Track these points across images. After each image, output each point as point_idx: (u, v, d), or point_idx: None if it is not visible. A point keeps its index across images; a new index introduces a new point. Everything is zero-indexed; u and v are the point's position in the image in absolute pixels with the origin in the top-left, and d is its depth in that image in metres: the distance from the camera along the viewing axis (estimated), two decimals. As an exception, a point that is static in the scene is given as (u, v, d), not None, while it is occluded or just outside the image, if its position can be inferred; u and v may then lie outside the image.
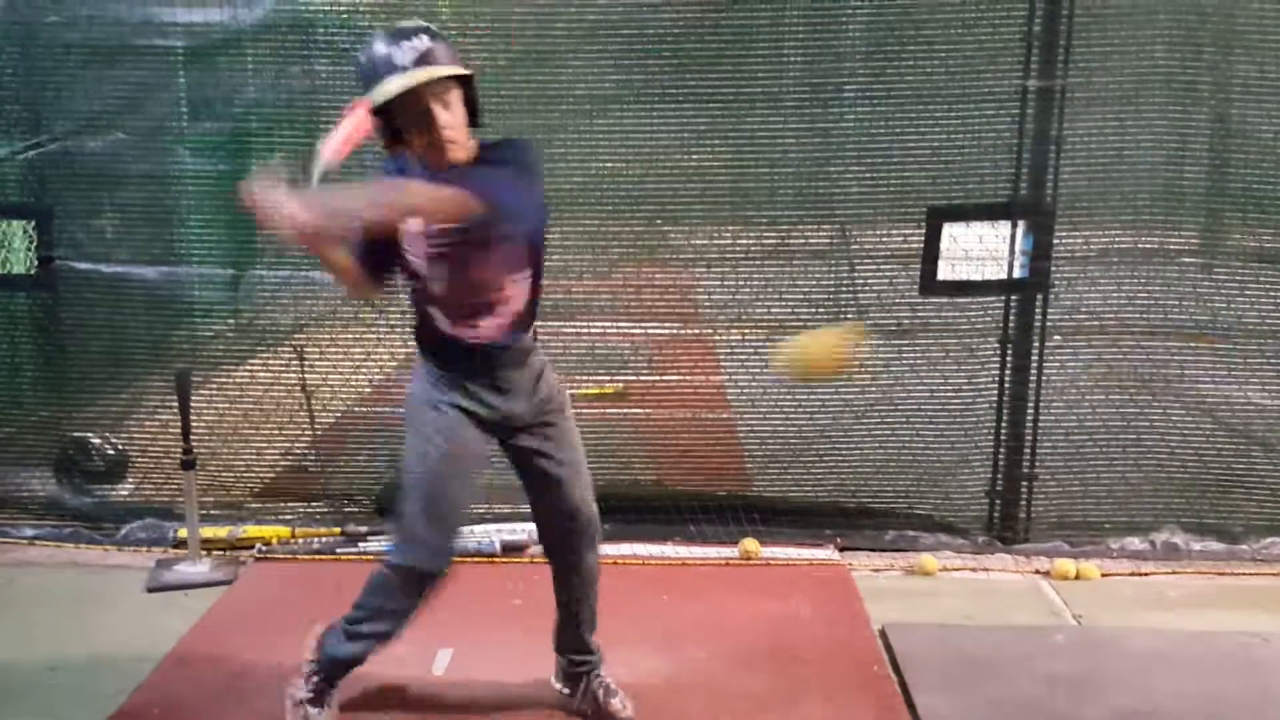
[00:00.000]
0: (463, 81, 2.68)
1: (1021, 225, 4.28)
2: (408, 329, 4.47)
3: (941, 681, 3.36)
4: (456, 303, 2.83)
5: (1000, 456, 4.48)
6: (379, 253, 2.81)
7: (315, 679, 3.07)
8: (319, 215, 2.43)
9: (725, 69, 4.44)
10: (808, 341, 3.19)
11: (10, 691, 3.35)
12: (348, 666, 3.08)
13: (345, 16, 4.51)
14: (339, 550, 4.36)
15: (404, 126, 2.65)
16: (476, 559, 4.26)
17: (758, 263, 4.59)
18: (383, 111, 2.65)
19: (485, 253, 2.75)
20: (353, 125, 2.85)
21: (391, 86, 2.59)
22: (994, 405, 4.45)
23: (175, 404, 4.21)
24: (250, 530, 4.45)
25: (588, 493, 3.05)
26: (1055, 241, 4.30)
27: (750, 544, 4.35)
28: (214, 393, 4.69)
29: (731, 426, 4.79)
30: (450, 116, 2.64)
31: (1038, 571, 4.26)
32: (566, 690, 3.22)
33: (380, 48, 2.61)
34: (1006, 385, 4.43)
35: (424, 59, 2.60)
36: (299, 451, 4.78)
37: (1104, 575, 4.22)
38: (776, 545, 4.38)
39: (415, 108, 2.61)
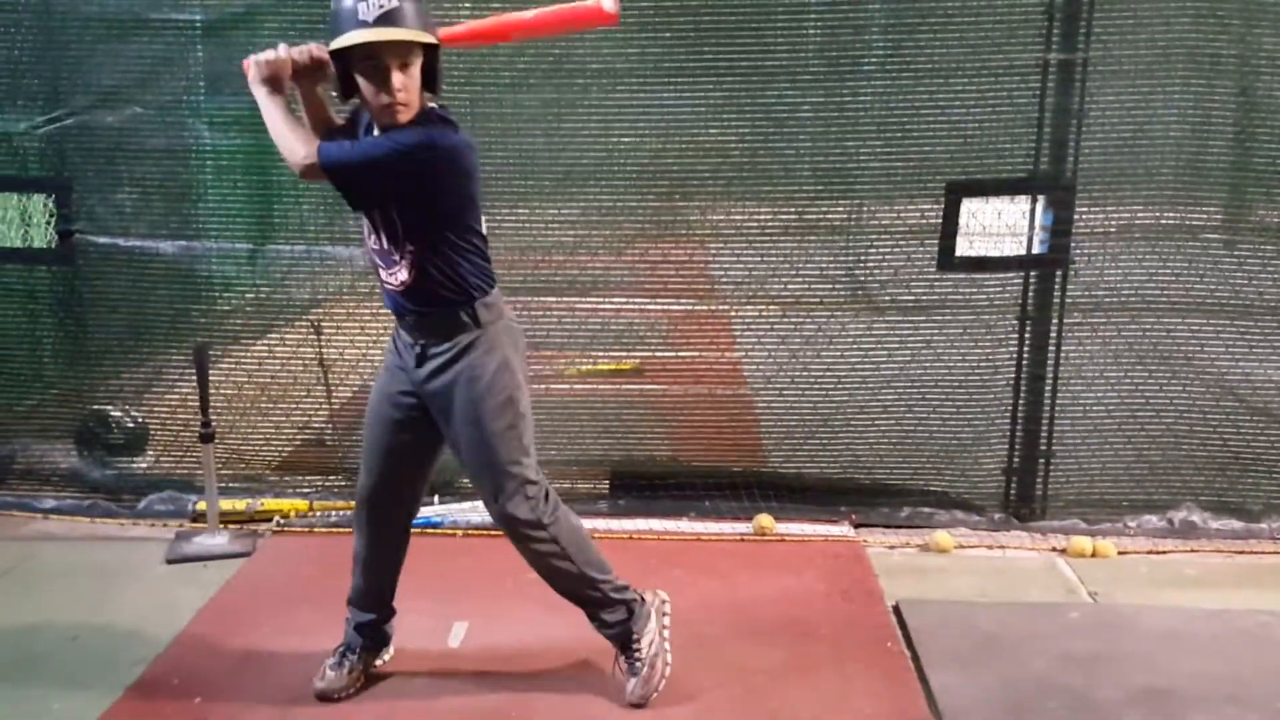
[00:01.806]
0: (428, 47, 2.71)
1: (1041, 200, 4.24)
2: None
3: (955, 658, 3.36)
4: (368, 245, 2.96)
5: (1017, 433, 4.46)
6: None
7: (340, 645, 3.23)
8: (254, 75, 2.77)
9: (743, 42, 4.40)
10: None
11: (31, 661, 3.39)
12: (362, 637, 3.21)
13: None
14: (355, 523, 4.37)
15: (357, 78, 2.70)
16: (492, 533, 4.26)
17: (774, 238, 4.57)
18: (341, 62, 2.70)
19: (361, 213, 2.90)
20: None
21: (347, 38, 2.64)
22: (1011, 382, 4.43)
23: (194, 377, 4.23)
24: (268, 503, 4.48)
25: (491, 484, 3.00)
26: (1075, 217, 4.26)
27: (765, 520, 4.35)
28: (232, 366, 4.72)
29: (747, 402, 4.78)
30: (404, 79, 2.68)
31: (1054, 549, 4.25)
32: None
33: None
34: (1024, 362, 4.40)
35: (387, 18, 2.63)
36: (317, 425, 4.81)
37: (1121, 553, 4.21)
38: (791, 521, 4.38)
39: (370, 63, 2.66)
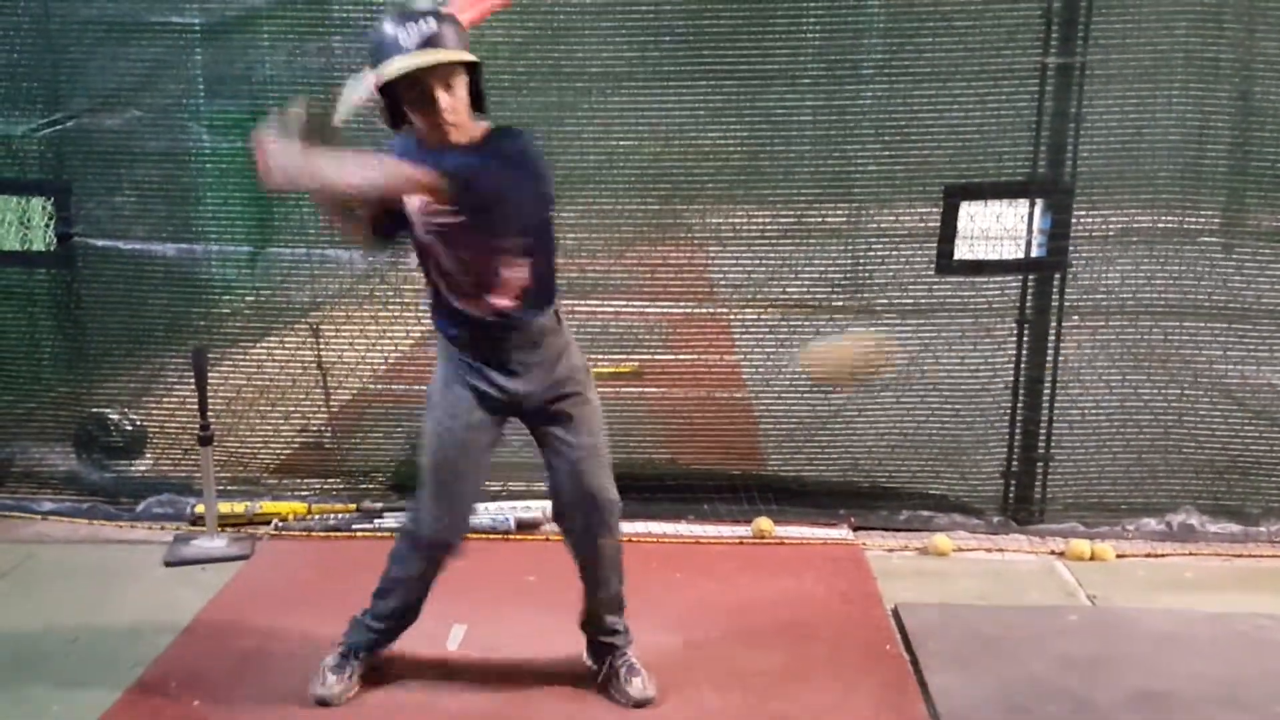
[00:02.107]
0: (470, 67, 2.71)
1: (1039, 204, 4.24)
2: (422, 307, 4.49)
3: (954, 661, 3.36)
4: (458, 279, 2.87)
5: (1016, 437, 4.46)
6: (389, 216, 2.88)
7: (340, 648, 3.20)
8: (289, 175, 2.56)
9: (741, 45, 4.41)
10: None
11: (30, 663, 3.39)
12: (370, 646, 3.20)
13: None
14: (355, 526, 4.38)
15: (406, 107, 2.70)
16: (491, 536, 4.28)
17: (773, 241, 4.58)
18: (387, 91, 2.69)
19: (473, 236, 2.79)
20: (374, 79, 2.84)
21: (394, 67, 2.63)
22: (1010, 385, 4.43)
23: (193, 380, 4.23)
24: (267, 506, 4.48)
25: (606, 478, 3.04)
26: (1073, 220, 4.26)
27: (764, 523, 4.35)
28: (231, 369, 4.72)
29: (746, 405, 4.78)
30: (451, 100, 2.68)
31: (1052, 552, 4.25)
32: (595, 666, 3.23)
33: (388, 28, 2.65)
34: (1023, 365, 4.40)
35: (429, 42, 2.63)
36: (315, 428, 4.81)
37: (1119, 556, 4.21)
38: (790, 524, 4.38)
39: (417, 89, 2.66)
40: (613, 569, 3.14)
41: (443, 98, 2.66)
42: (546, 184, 2.82)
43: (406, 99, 2.68)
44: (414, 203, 2.81)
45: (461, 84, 2.70)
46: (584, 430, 3.00)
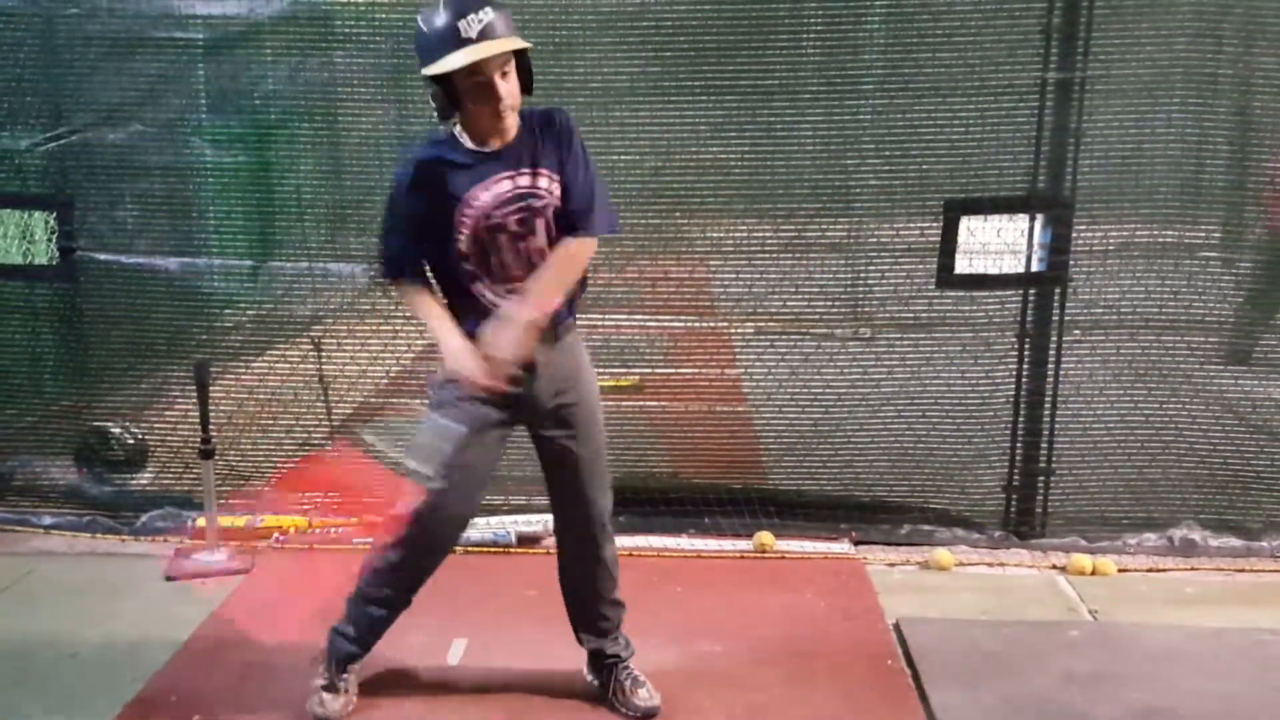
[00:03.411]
0: (520, 51, 2.76)
1: (1040, 218, 4.24)
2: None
3: (955, 676, 3.35)
4: (513, 270, 2.87)
5: (1017, 451, 4.45)
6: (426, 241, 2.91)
7: (326, 666, 3.16)
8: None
9: (742, 61, 4.43)
10: None
11: (30, 677, 3.38)
12: (350, 655, 3.16)
13: (363, 8, 4.52)
14: (356, 540, 4.37)
15: (464, 97, 2.73)
16: (492, 549, 4.27)
17: (774, 256, 4.58)
18: (441, 81, 2.71)
19: (547, 222, 2.85)
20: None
21: (458, 58, 2.65)
22: (1011, 400, 4.42)
23: (194, 394, 4.23)
24: (268, 520, 4.48)
25: (605, 488, 3.06)
26: (1074, 235, 4.27)
27: (765, 537, 4.35)
28: (233, 383, 4.72)
29: (747, 420, 4.78)
30: (508, 87, 2.74)
31: (1054, 567, 4.24)
32: (596, 681, 3.23)
33: (444, 18, 2.67)
34: (1024, 380, 4.40)
35: (488, 31, 2.66)
36: (316, 442, 4.81)
37: (1121, 571, 4.20)
38: (791, 538, 4.38)
39: (478, 79, 2.69)
40: (610, 579, 3.15)
41: (501, 85, 2.71)
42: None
43: (463, 89, 2.71)
44: (483, 198, 2.80)
45: (513, 70, 2.75)
46: (588, 438, 3.01)
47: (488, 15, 2.66)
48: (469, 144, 2.84)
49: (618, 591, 3.19)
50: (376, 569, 3.10)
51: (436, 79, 2.71)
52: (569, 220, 2.85)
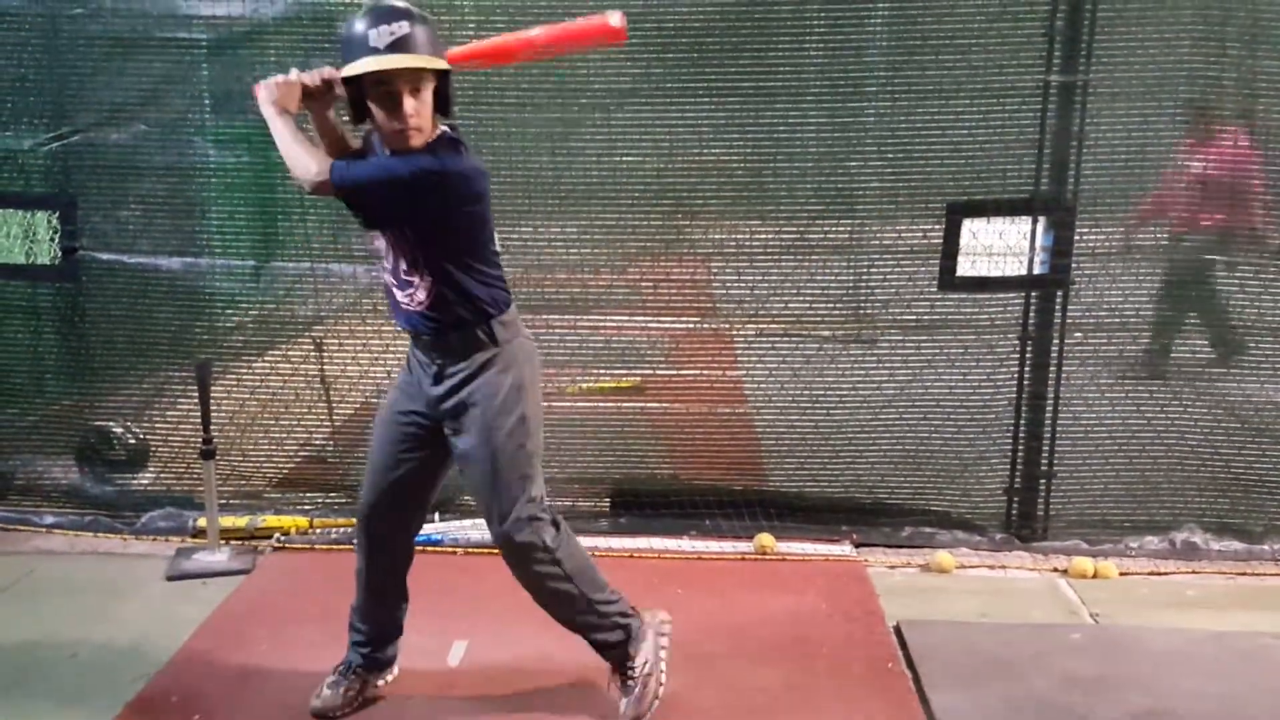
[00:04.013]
0: (441, 72, 2.74)
1: (1042, 221, 4.25)
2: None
3: (956, 679, 3.35)
4: (388, 269, 2.94)
5: (1019, 453, 4.46)
6: None
7: (339, 664, 3.23)
8: (260, 105, 2.80)
9: (745, 63, 4.43)
10: None
11: (31, 677, 3.38)
12: (361, 660, 3.22)
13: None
14: (356, 541, 4.37)
15: (371, 104, 2.72)
16: (492, 551, 4.25)
17: (776, 257, 4.58)
18: (353, 87, 2.72)
19: (377, 233, 2.90)
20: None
21: (360, 66, 2.65)
22: (1013, 402, 4.42)
23: (196, 394, 4.24)
24: (269, 520, 4.48)
25: (499, 503, 2.96)
26: (1076, 238, 4.27)
27: (766, 539, 4.35)
28: (234, 383, 4.72)
29: (748, 421, 4.78)
30: (416, 104, 2.70)
31: (1055, 570, 4.24)
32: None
33: (359, 25, 2.68)
34: (1026, 382, 4.40)
35: (399, 45, 2.65)
36: (318, 442, 4.81)
37: (1122, 574, 4.20)
38: (792, 540, 4.38)
39: (382, 90, 2.68)
40: (552, 599, 3.05)
41: (407, 102, 2.68)
42: (444, 205, 2.78)
43: (371, 97, 2.71)
44: None
45: (429, 89, 2.72)
46: (482, 442, 2.93)
47: (403, 29, 2.65)
48: (387, 152, 2.83)
49: (581, 608, 3.06)
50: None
51: (347, 83, 2.72)
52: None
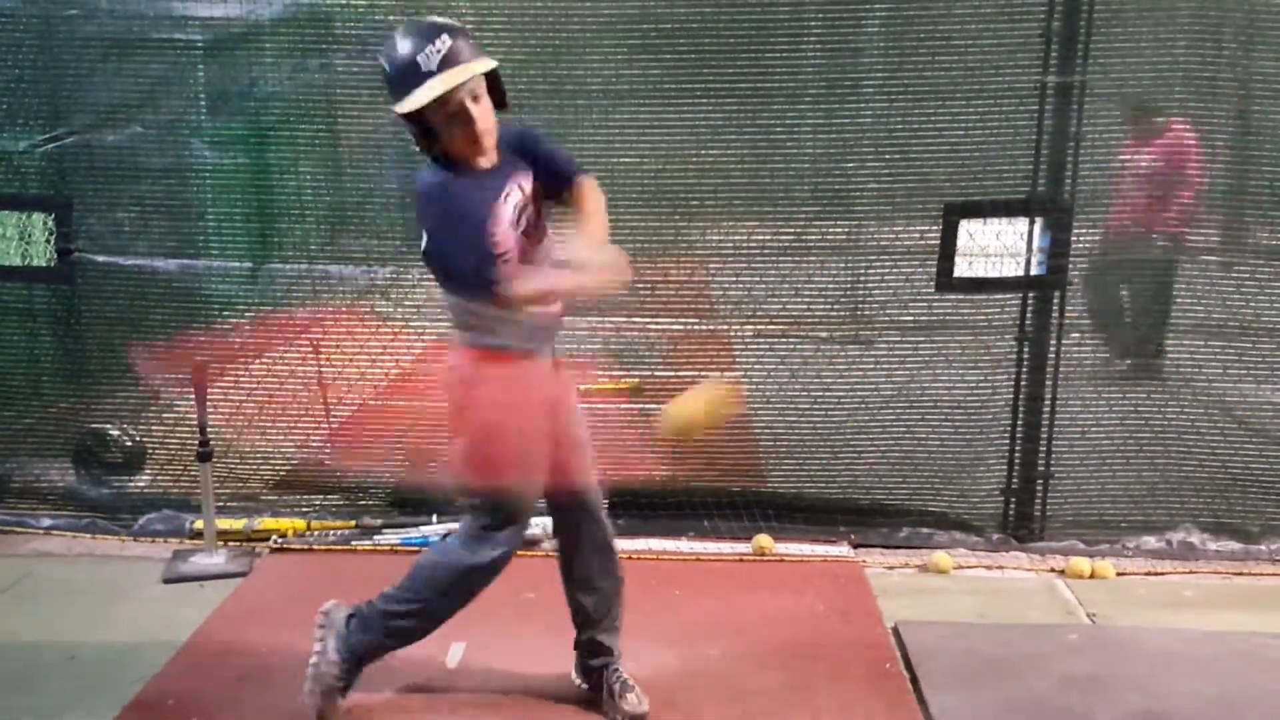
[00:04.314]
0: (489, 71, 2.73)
1: (1039, 222, 4.25)
2: (422, 323, 4.51)
3: (954, 679, 3.35)
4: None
5: (1016, 454, 4.46)
6: None
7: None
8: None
9: (742, 63, 4.43)
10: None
11: (28, 680, 3.38)
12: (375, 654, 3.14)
13: (363, 10, 4.52)
14: (354, 543, 4.38)
15: (438, 127, 2.69)
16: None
17: (773, 258, 4.59)
18: (413, 115, 2.68)
19: (541, 218, 2.90)
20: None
21: (424, 94, 2.63)
22: (1010, 403, 4.43)
23: (192, 396, 4.23)
24: (266, 522, 4.47)
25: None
26: (1073, 238, 4.28)
27: (764, 539, 4.35)
28: (231, 385, 4.71)
29: (746, 422, 4.78)
30: (481, 109, 2.71)
31: (1053, 570, 4.24)
32: (584, 685, 3.23)
33: (404, 53, 2.64)
34: (1023, 383, 4.41)
35: (449, 60, 2.63)
36: (315, 444, 4.80)
37: (1119, 574, 4.20)
38: (790, 541, 4.38)
39: (449, 109, 2.66)
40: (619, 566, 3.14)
41: (473, 110, 2.68)
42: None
43: (437, 120, 2.68)
44: (512, 202, 2.80)
45: (484, 89, 2.72)
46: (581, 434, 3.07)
47: (445, 43, 2.63)
48: (465, 166, 2.79)
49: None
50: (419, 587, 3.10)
51: (407, 116, 2.68)
52: (562, 180, 2.87)
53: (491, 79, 2.75)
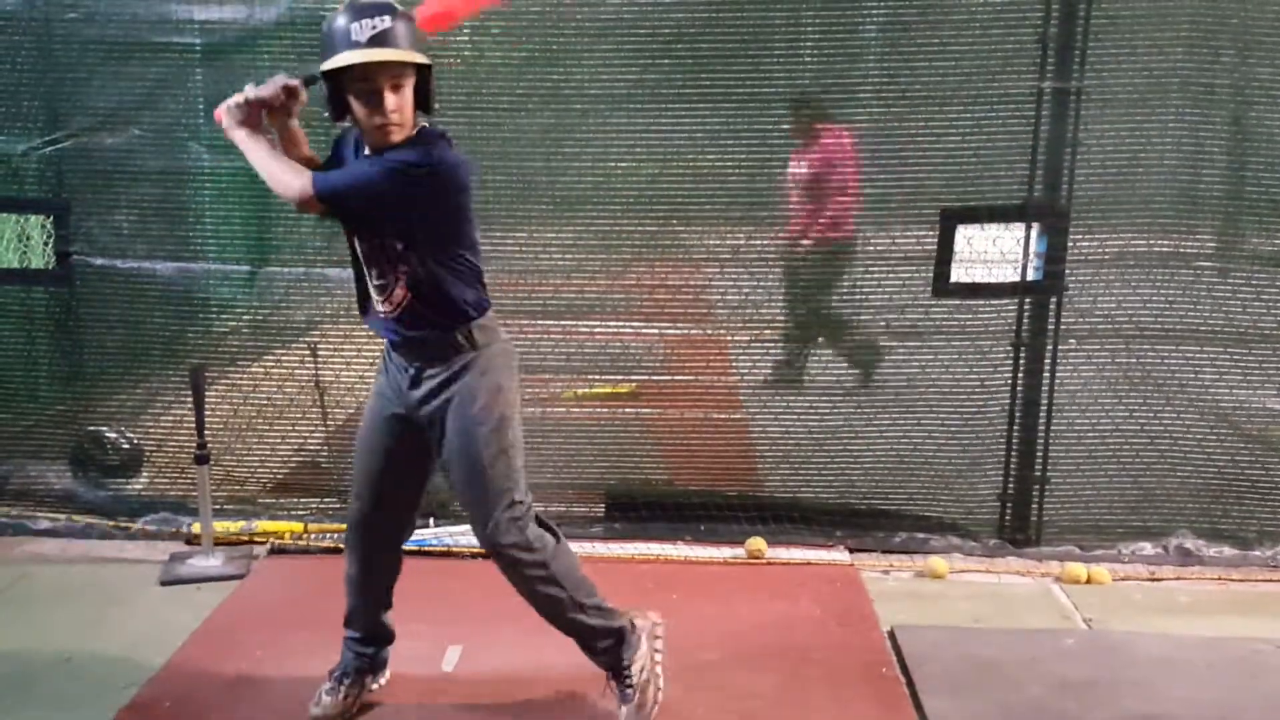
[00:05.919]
0: (420, 66, 2.73)
1: (1036, 228, 4.26)
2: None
3: (950, 684, 3.35)
4: (364, 273, 2.94)
5: (1012, 459, 4.46)
6: None
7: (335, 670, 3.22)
8: (225, 129, 2.85)
9: (740, 68, 4.43)
10: None
11: (24, 683, 3.38)
12: (354, 666, 3.21)
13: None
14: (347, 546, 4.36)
15: (351, 100, 2.71)
16: (486, 556, 4.25)
17: (770, 263, 4.59)
18: (333, 82, 2.71)
19: (355, 236, 2.89)
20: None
21: (340, 60, 2.65)
22: (1006, 408, 4.43)
23: (190, 399, 4.23)
24: (263, 525, 4.47)
25: (482, 508, 2.95)
26: (1070, 244, 4.28)
27: (758, 542, 4.35)
28: (228, 388, 4.71)
29: (743, 427, 4.78)
30: (397, 100, 2.70)
31: (1049, 575, 4.25)
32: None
33: (341, 20, 2.67)
34: (1019, 388, 4.41)
35: (380, 39, 2.65)
36: (312, 447, 4.81)
37: (1115, 579, 4.21)
38: (787, 546, 4.38)
39: (364, 85, 2.68)
40: (543, 599, 3.02)
41: (389, 97, 2.68)
42: (432, 200, 2.78)
43: (352, 92, 2.70)
44: None
45: (409, 84, 2.72)
46: (453, 451, 2.94)
47: (384, 23, 2.65)
48: (366, 150, 2.83)
49: (571, 609, 3.04)
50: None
51: (328, 78, 2.71)
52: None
53: (422, 80, 2.75)
